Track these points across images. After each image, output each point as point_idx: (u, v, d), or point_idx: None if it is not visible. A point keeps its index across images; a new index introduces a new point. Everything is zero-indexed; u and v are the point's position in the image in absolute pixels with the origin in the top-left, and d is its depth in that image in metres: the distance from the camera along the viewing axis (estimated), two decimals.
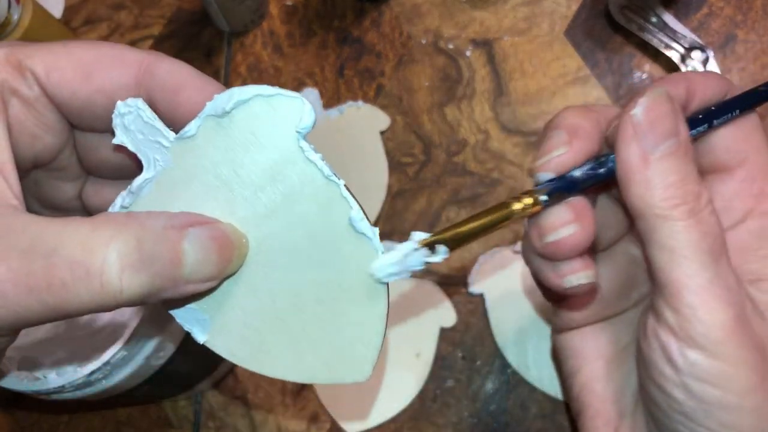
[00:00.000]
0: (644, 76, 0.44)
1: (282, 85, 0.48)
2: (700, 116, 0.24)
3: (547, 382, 0.39)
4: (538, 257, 0.24)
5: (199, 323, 0.21)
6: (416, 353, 0.41)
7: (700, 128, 0.24)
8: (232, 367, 0.43)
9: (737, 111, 0.24)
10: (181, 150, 0.21)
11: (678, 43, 0.43)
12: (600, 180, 0.23)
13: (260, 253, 0.21)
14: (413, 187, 0.45)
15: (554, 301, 0.28)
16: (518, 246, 0.42)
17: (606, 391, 0.27)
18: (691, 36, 0.43)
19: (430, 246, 0.20)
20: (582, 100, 0.44)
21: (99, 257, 0.17)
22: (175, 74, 0.21)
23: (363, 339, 0.21)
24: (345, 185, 0.20)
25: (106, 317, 0.35)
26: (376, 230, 0.20)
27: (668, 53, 0.43)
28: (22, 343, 0.34)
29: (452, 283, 0.42)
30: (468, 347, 0.41)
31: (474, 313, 0.42)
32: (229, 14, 0.48)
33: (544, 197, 0.22)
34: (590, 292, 0.27)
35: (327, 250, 0.20)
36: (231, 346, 0.21)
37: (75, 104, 0.21)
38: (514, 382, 0.40)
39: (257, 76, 0.49)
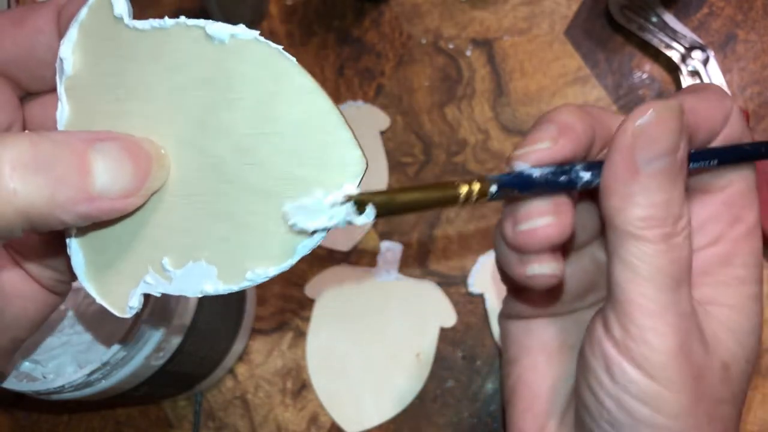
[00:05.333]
0: (644, 76, 0.44)
1: None
2: (702, 152, 0.23)
3: None
4: (506, 246, 0.23)
5: (205, 276, 0.20)
6: (416, 353, 0.41)
7: (699, 164, 0.23)
8: (232, 367, 0.43)
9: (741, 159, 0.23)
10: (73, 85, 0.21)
11: (678, 42, 0.43)
12: (558, 188, 0.22)
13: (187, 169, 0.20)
14: None
15: (513, 290, 0.27)
16: None
17: (541, 388, 0.26)
18: (691, 36, 0.43)
19: (358, 206, 0.18)
20: (582, 99, 0.44)
21: None
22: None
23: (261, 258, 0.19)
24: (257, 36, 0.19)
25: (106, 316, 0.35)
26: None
27: (668, 53, 0.43)
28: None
29: (452, 283, 0.42)
30: (468, 347, 0.41)
31: (474, 313, 0.42)
32: (229, 14, 0.48)
33: (493, 188, 0.21)
34: (553, 289, 0.26)
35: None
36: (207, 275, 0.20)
37: (18, 53, 0.21)
38: None
39: None
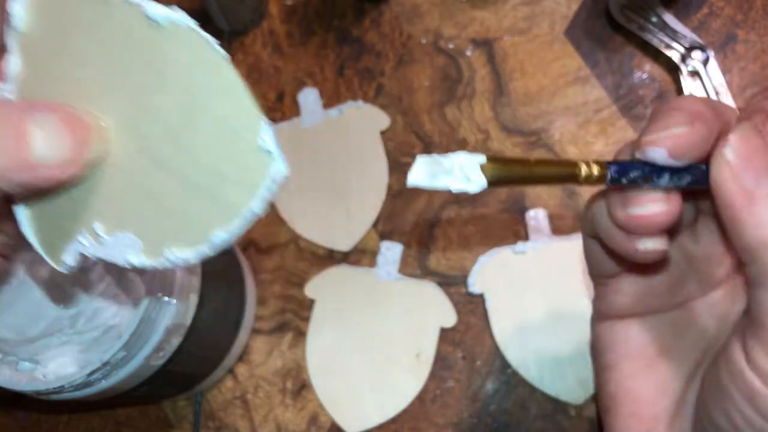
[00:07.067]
0: (644, 76, 0.44)
1: (282, 85, 0.48)
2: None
3: (548, 382, 0.39)
4: (612, 224, 0.23)
5: (131, 248, 0.20)
6: (416, 353, 0.41)
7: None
8: (232, 367, 0.43)
9: None
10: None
11: (678, 42, 0.43)
12: (679, 184, 0.22)
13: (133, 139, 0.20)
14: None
15: (618, 259, 0.27)
16: (518, 246, 0.41)
17: (644, 393, 0.26)
18: (691, 36, 0.43)
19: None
20: (582, 100, 0.44)
21: None
22: None
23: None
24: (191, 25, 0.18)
25: (105, 316, 0.35)
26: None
27: (668, 53, 0.43)
28: (22, 344, 0.34)
29: (452, 283, 0.42)
30: (468, 347, 0.41)
31: (474, 313, 0.42)
32: (228, 14, 0.48)
33: (613, 175, 0.20)
34: (660, 261, 0.26)
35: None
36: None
37: None
38: (514, 382, 0.40)
39: (257, 76, 0.49)
